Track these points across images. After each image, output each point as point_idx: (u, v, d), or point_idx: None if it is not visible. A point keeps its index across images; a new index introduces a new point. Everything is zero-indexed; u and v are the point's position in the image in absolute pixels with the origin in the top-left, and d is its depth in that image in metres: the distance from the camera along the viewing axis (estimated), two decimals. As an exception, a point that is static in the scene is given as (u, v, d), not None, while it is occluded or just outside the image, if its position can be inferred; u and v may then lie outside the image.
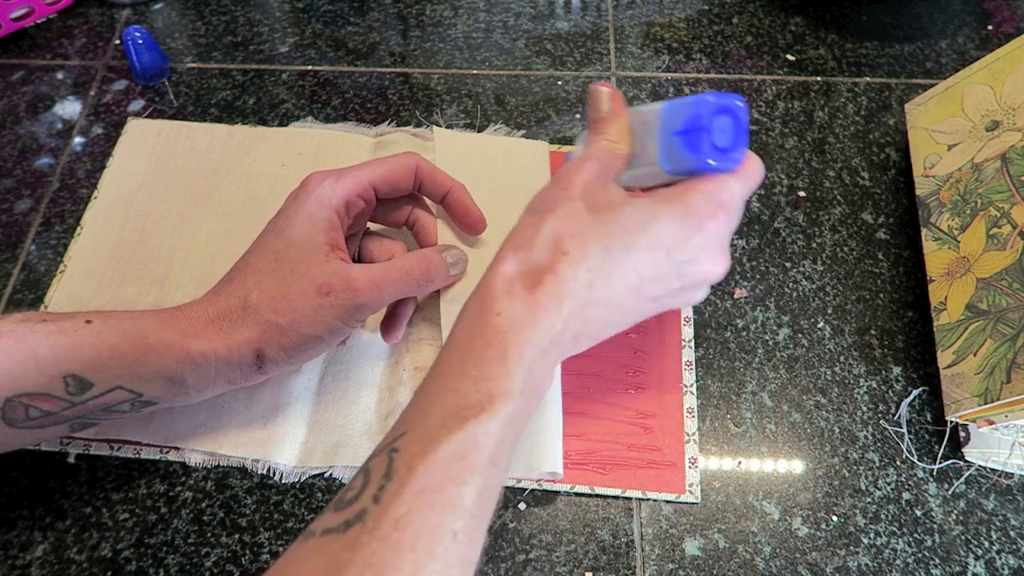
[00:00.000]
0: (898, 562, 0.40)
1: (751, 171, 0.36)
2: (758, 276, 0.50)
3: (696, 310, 0.48)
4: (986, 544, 0.41)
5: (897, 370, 0.46)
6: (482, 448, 0.29)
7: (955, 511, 0.42)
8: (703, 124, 0.34)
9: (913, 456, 0.44)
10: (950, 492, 0.43)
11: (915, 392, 0.45)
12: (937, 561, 0.40)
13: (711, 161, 0.34)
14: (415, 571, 0.27)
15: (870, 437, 0.44)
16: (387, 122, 0.56)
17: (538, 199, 0.36)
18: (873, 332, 0.48)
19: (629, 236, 0.33)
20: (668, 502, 0.42)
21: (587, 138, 0.39)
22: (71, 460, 0.43)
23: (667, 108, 0.36)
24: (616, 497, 0.42)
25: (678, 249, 0.34)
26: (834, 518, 0.42)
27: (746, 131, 0.35)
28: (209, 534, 0.41)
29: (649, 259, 0.34)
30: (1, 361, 0.34)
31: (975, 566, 0.40)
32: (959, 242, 0.45)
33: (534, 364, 0.32)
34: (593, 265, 0.33)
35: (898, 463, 0.43)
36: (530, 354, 0.32)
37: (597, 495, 0.42)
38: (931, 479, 0.43)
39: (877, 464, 0.43)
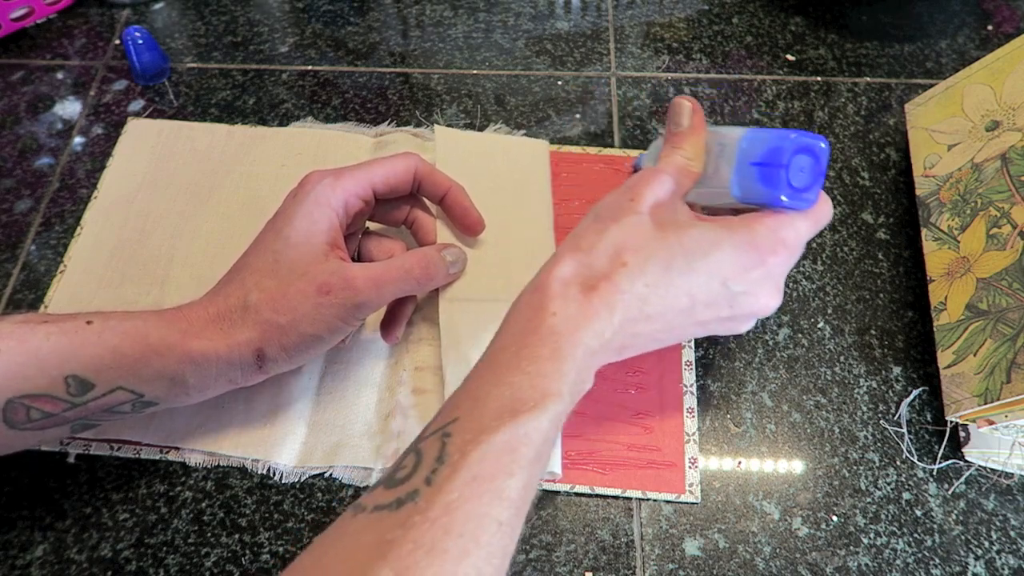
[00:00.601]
0: (898, 562, 0.40)
1: (821, 213, 0.36)
2: (758, 276, 0.50)
3: (696, 310, 0.48)
4: (986, 544, 0.41)
5: (897, 370, 0.46)
6: (531, 443, 0.30)
7: (955, 511, 0.42)
8: (782, 160, 0.34)
9: (913, 456, 0.44)
10: (950, 492, 0.43)
11: (915, 392, 0.45)
12: (937, 561, 0.40)
13: (784, 198, 0.34)
14: (461, 556, 0.27)
15: (870, 437, 0.44)
16: (387, 122, 0.56)
17: (604, 206, 0.36)
18: (873, 332, 0.48)
19: (690, 258, 0.34)
20: (668, 502, 0.42)
21: (662, 148, 0.39)
22: (71, 460, 0.43)
23: (748, 136, 0.36)
24: (616, 497, 0.42)
25: (735, 279, 0.34)
26: (834, 518, 0.42)
27: (823, 174, 0.35)
28: (209, 534, 0.41)
29: (705, 284, 0.34)
30: (2, 362, 0.34)
31: (975, 566, 0.40)
32: (959, 242, 0.45)
33: (582, 366, 0.33)
34: (651, 281, 0.33)
35: (898, 463, 0.43)
36: (581, 356, 0.32)
37: (597, 495, 0.42)
38: (931, 479, 0.43)
39: (877, 464, 0.43)
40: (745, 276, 0.34)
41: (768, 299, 0.36)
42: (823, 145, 0.35)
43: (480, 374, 0.33)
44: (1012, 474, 0.43)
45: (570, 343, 0.32)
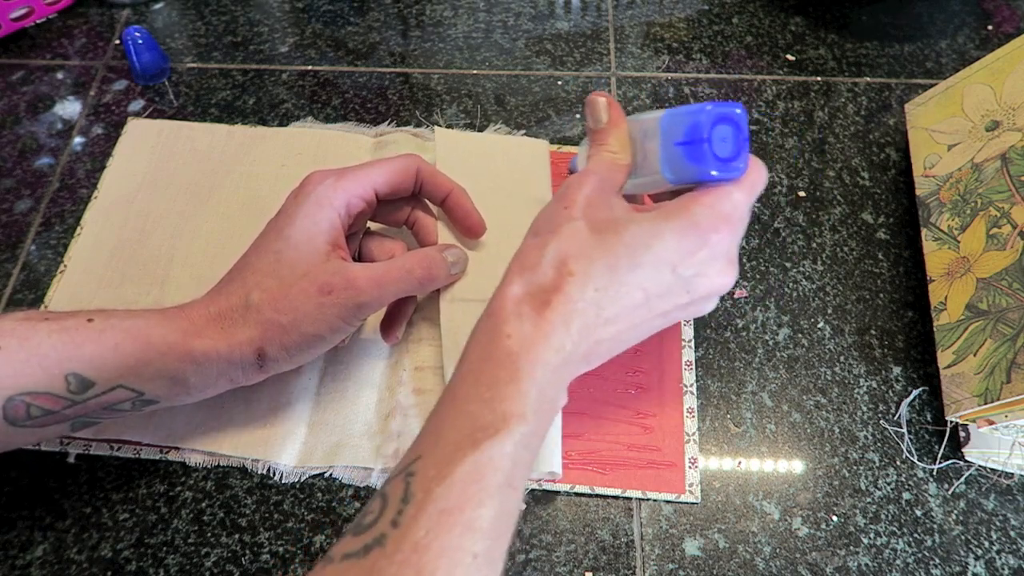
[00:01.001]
0: (898, 562, 0.40)
1: (755, 179, 0.35)
2: (758, 276, 0.50)
3: (696, 310, 0.48)
4: (986, 544, 0.41)
5: (897, 370, 0.46)
6: (498, 469, 0.29)
7: (955, 511, 0.42)
8: (703, 135, 0.34)
9: (913, 456, 0.44)
10: (950, 492, 0.43)
11: (915, 392, 0.45)
12: (937, 561, 0.40)
13: (713, 172, 0.34)
14: None
15: (870, 437, 0.44)
16: (387, 122, 0.56)
17: (541, 219, 0.36)
18: (873, 332, 0.48)
19: (633, 254, 0.33)
20: (668, 502, 0.42)
21: (587, 149, 0.39)
22: (71, 460, 0.43)
23: (666, 117, 0.36)
24: (616, 497, 0.42)
25: (683, 264, 0.34)
26: (834, 518, 0.42)
27: (747, 138, 0.35)
28: (209, 534, 0.41)
29: (654, 275, 0.34)
30: (3, 360, 0.34)
31: (975, 566, 0.40)
32: (959, 242, 0.45)
33: (546, 384, 0.32)
34: (600, 284, 0.33)
35: (898, 463, 0.43)
36: (541, 374, 0.32)
37: (597, 495, 0.42)
38: (931, 479, 0.43)
39: (877, 464, 0.43)
40: (692, 259, 0.34)
41: (721, 277, 0.35)
42: (739, 111, 0.34)
43: (441, 408, 0.32)
44: (1012, 474, 0.43)
45: (528, 363, 0.32)
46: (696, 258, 0.34)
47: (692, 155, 0.34)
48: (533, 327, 0.32)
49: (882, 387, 0.46)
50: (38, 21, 0.62)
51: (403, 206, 0.45)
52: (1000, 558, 0.41)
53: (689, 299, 0.35)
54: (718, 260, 0.35)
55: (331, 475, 0.43)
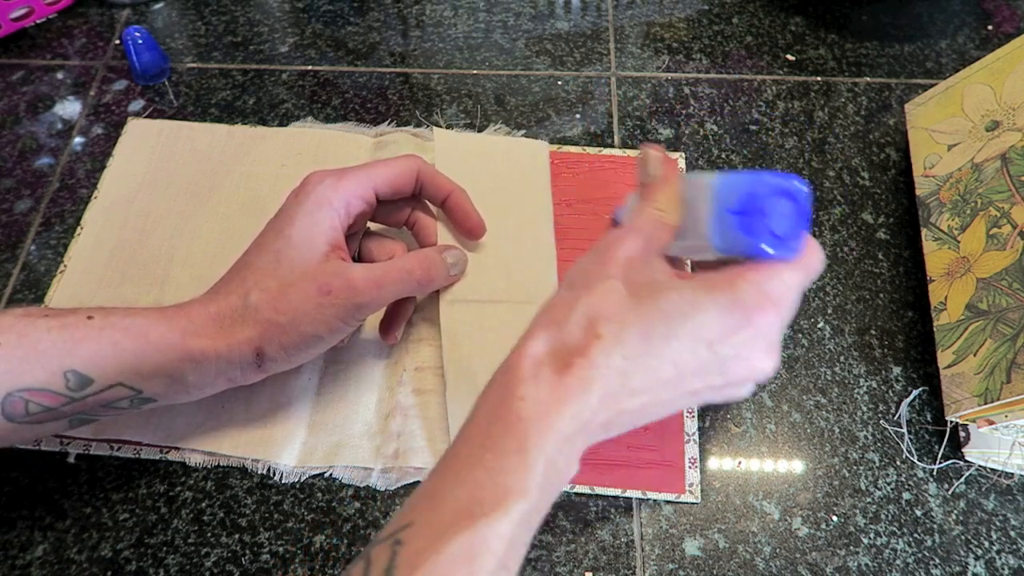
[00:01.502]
0: (898, 562, 0.40)
1: (810, 261, 0.32)
2: (758, 276, 0.50)
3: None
4: (986, 544, 0.41)
5: (897, 370, 0.46)
6: (491, 551, 0.27)
7: (955, 511, 0.42)
8: (760, 206, 0.32)
9: (913, 456, 0.44)
10: (950, 492, 0.43)
11: (915, 392, 0.45)
12: (937, 561, 0.40)
13: (767, 248, 0.31)
14: None
15: (870, 437, 0.44)
16: (387, 122, 0.56)
17: (576, 272, 0.34)
18: (873, 332, 0.48)
19: (669, 323, 0.31)
20: (668, 502, 0.42)
21: (636, 202, 0.37)
22: (71, 460, 0.43)
23: (722, 182, 0.33)
24: (616, 497, 0.42)
25: (721, 342, 0.31)
26: (834, 518, 0.42)
27: (807, 218, 0.32)
28: (209, 534, 0.41)
29: (690, 351, 0.31)
30: (1, 356, 0.34)
31: (975, 566, 0.40)
32: (959, 242, 0.45)
33: (556, 454, 0.30)
34: (629, 352, 0.30)
35: (898, 463, 0.43)
36: (552, 444, 0.29)
37: (597, 495, 0.42)
38: (931, 479, 0.43)
39: (877, 464, 0.43)
40: (732, 338, 0.31)
41: (761, 362, 0.32)
42: (799, 185, 0.32)
43: (441, 469, 0.30)
44: (1012, 474, 0.43)
45: (539, 431, 0.29)
46: (737, 338, 0.31)
47: (745, 226, 0.32)
48: (549, 391, 0.30)
49: (882, 387, 0.46)
50: (38, 21, 0.62)
51: (403, 207, 0.45)
52: (1000, 558, 0.41)
53: (723, 381, 0.33)
54: (759, 342, 0.32)
55: (331, 475, 0.43)
